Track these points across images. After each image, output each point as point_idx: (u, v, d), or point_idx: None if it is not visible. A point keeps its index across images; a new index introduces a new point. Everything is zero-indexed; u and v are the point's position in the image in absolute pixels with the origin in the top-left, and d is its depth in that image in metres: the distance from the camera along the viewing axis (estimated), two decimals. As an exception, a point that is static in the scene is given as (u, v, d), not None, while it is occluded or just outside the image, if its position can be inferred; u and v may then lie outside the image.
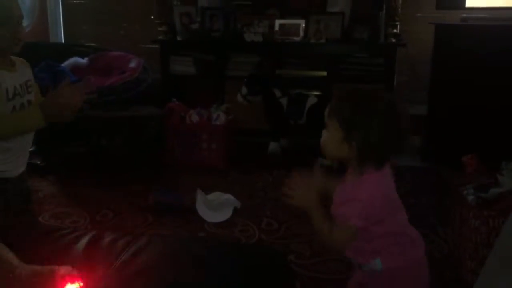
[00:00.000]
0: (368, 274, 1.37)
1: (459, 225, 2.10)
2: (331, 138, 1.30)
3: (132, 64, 3.64)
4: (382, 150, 1.27)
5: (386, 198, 1.30)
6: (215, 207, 2.71)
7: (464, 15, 3.41)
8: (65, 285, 1.12)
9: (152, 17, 3.86)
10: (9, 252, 1.13)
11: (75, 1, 4.35)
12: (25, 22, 1.68)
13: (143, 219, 2.65)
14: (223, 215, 2.66)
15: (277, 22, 3.69)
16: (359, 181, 1.29)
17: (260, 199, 2.94)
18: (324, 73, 3.72)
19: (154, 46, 3.93)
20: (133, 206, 2.80)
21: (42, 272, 1.14)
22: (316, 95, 3.56)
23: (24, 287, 1.13)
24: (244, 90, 3.56)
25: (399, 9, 3.49)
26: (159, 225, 2.58)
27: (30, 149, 1.87)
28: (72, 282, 1.13)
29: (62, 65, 3.61)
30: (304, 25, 3.65)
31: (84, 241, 1.37)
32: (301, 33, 3.65)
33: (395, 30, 3.52)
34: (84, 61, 3.78)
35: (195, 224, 2.59)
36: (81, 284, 1.14)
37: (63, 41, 4.39)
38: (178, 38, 3.83)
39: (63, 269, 1.14)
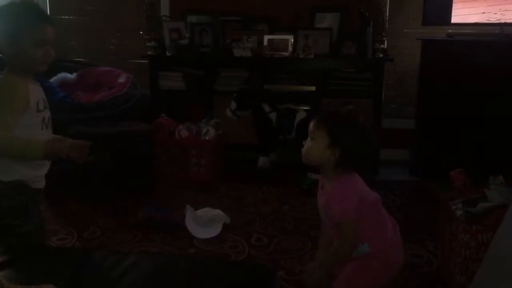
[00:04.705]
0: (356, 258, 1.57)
1: (449, 239, 2.11)
2: (317, 145, 1.52)
3: (121, 80, 3.63)
4: (358, 156, 1.51)
5: (366, 193, 1.54)
6: (204, 223, 2.69)
7: (450, 30, 3.47)
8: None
9: (141, 32, 3.87)
10: None
11: (63, 17, 4.35)
12: None
13: (132, 236, 2.62)
14: (213, 231, 2.65)
15: (266, 38, 3.71)
16: (339, 183, 1.52)
17: (250, 214, 2.93)
18: (313, 88, 3.74)
19: (143, 61, 3.93)
20: (122, 223, 2.77)
21: None
22: (305, 110, 3.57)
23: None
24: (233, 105, 3.57)
25: (386, 25, 3.53)
26: (148, 242, 2.56)
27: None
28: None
29: (50, 80, 3.59)
30: (292, 40, 3.68)
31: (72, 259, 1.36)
32: (290, 49, 3.67)
33: (382, 46, 3.56)
34: (72, 76, 3.77)
35: (184, 241, 2.57)
36: None
37: (51, 57, 4.37)
38: (167, 54, 3.83)
39: None
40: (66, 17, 4.35)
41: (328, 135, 1.49)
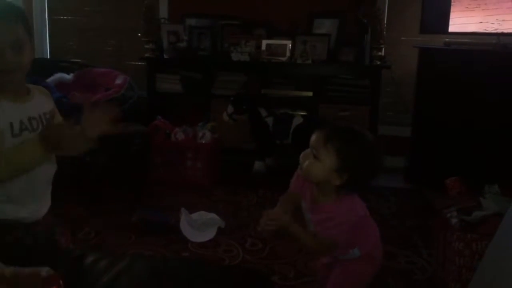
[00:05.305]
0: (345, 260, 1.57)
1: (443, 247, 2.11)
2: (322, 166, 1.40)
3: (118, 81, 3.63)
4: (366, 182, 1.45)
5: (362, 211, 1.49)
6: (199, 226, 2.68)
7: (447, 39, 3.49)
8: (46, 286, 1.11)
9: (140, 34, 3.87)
10: None
11: (61, 17, 4.34)
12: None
13: (126, 238, 2.61)
14: (207, 235, 2.64)
15: (264, 42, 3.72)
16: (337, 206, 1.45)
17: (244, 218, 2.92)
18: (310, 94, 3.75)
19: (141, 63, 3.93)
20: (116, 225, 2.76)
21: (24, 272, 1.13)
22: (301, 115, 3.57)
23: (6, 286, 1.11)
24: (230, 109, 3.56)
25: (384, 32, 3.55)
26: (142, 245, 2.55)
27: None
28: (53, 283, 1.12)
29: (47, 80, 3.58)
30: (290, 45, 3.69)
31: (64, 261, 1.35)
32: (288, 54, 3.68)
33: (380, 53, 3.58)
34: (69, 77, 3.76)
35: (179, 244, 2.56)
36: (62, 286, 1.13)
37: (48, 57, 4.36)
38: (165, 56, 3.83)
39: (44, 271, 1.13)
40: (65, 17, 4.34)
41: (337, 157, 1.37)
